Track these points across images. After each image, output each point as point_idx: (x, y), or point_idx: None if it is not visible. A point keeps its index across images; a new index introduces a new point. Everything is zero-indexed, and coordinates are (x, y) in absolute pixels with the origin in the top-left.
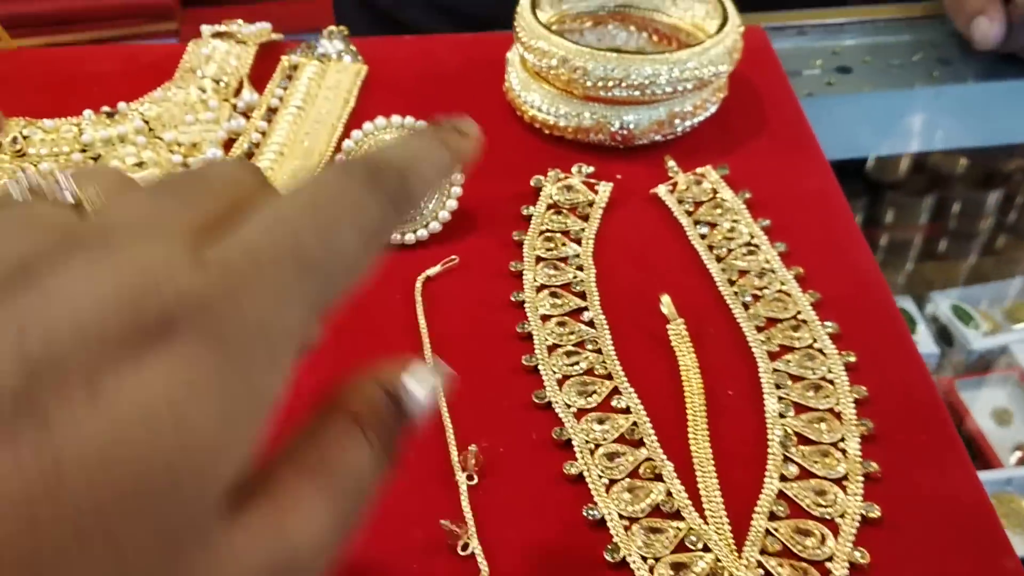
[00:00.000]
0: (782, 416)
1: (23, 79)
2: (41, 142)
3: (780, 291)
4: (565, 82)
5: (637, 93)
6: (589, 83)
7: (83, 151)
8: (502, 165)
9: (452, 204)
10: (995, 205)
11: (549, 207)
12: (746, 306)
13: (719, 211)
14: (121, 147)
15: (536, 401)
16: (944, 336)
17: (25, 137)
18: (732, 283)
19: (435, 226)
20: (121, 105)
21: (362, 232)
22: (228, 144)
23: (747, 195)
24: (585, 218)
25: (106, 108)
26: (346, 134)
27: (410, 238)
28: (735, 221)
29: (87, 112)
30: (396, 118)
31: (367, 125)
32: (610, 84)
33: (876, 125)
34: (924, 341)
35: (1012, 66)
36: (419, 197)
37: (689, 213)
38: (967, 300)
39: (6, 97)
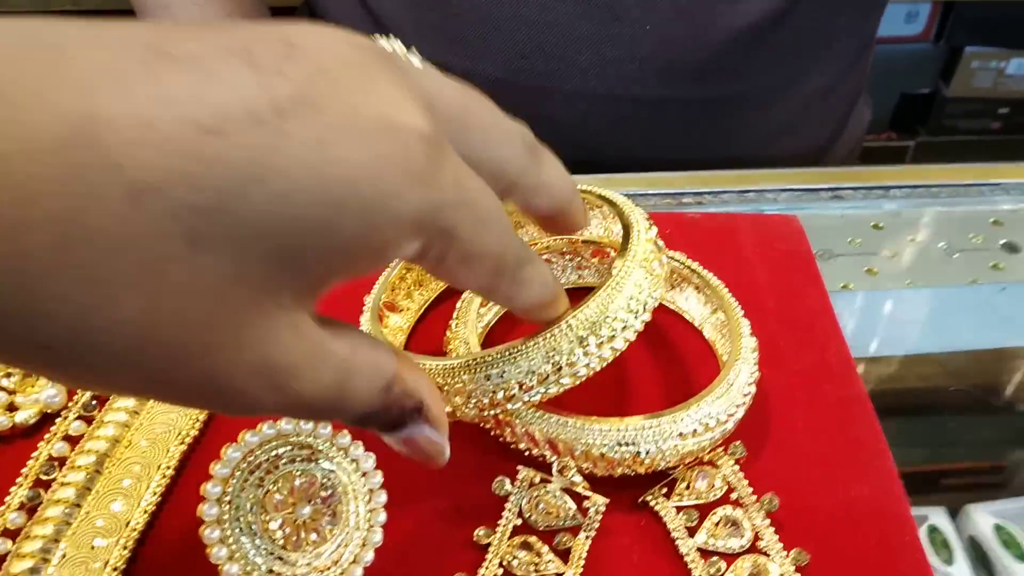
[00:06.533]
0: None
1: None
2: None
3: None
4: None
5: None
6: None
7: None
8: (459, 443)
9: (377, 538)
10: None
11: (515, 532)
12: None
13: (735, 531)
14: None
15: None
16: (983, 561)
17: None
18: None
19: None
20: None
21: None
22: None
23: (773, 503)
24: (565, 555)
25: None
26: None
27: None
28: (757, 550)
29: None
30: (285, 425)
31: (247, 439)
32: None
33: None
34: (960, 573)
35: None
36: None
37: (691, 531)
38: (1011, 515)
39: None
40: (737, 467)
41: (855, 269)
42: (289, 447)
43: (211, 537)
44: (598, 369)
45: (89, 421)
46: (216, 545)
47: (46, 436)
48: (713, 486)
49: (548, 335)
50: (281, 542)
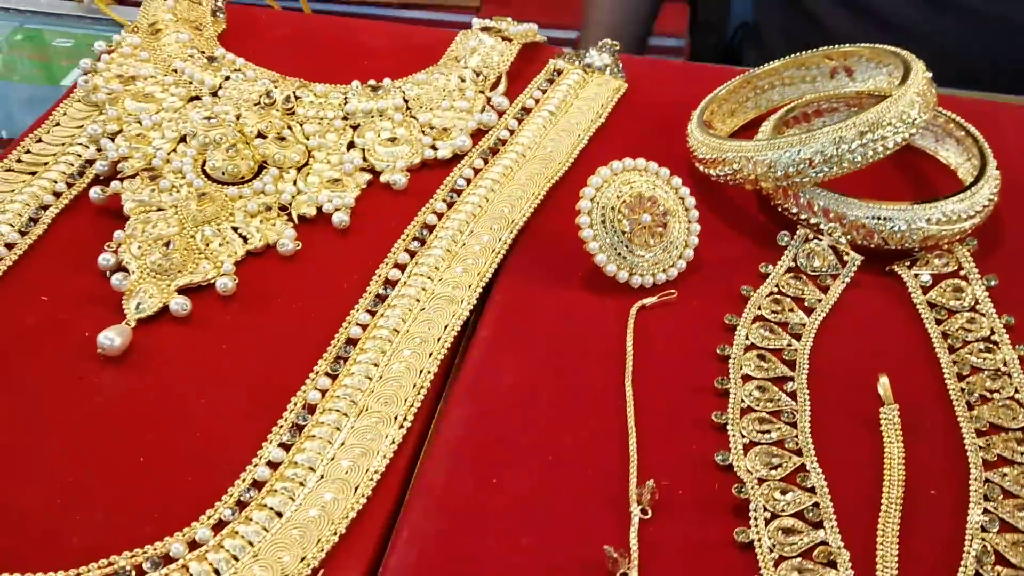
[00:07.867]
0: (984, 530)
1: (306, 42)
2: (310, 104)
3: (1012, 398)
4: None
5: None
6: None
7: (345, 119)
8: (747, 214)
9: (689, 253)
10: None
11: (789, 270)
12: (971, 406)
13: (959, 295)
14: (379, 120)
15: (718, 461)
16: None
17: (297, 97)
18: (961, 378)
19: (660, 278)
20: (386, 81)
21: None
22: (476, 135)
23: (993, 281)
24: (825, 290)
25: (372, 82)
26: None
27: (636, 281)
28: (975, 311)
29: (355, 83)
30: (641, 161)
31: (614, 165)
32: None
33: None
34: None
35: None
36: None
37: (925, 290)
38: None
39: (290, 57)
40: (968, 254)
41: None
42: (639, 175)
43: (583, 222)
44: (871, 161)
45: (486, 161)
46: (586, 228)
47: (456, 167)
48: (947, 265)
49: (836, 127)
50: (629, 236)
